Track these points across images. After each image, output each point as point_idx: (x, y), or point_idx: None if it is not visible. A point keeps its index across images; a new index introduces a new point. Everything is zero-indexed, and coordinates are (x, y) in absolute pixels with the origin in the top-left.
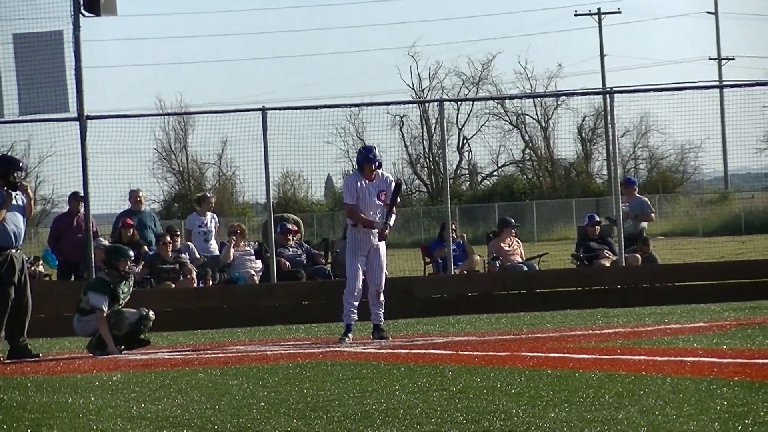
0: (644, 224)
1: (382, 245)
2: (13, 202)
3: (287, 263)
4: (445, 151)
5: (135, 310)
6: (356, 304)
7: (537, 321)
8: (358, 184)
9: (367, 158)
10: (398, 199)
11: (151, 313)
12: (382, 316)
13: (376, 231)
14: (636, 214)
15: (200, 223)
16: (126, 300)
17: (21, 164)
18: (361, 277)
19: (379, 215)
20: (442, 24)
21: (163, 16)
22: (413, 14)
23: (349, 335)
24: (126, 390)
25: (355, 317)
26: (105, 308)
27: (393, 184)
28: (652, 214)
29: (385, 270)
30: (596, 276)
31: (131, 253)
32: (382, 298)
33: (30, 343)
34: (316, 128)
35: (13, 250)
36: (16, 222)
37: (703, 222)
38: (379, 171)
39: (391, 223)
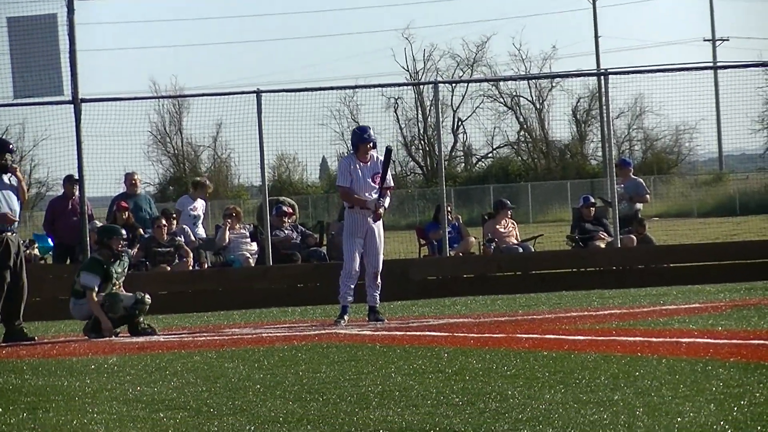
0: (639, 206)
1: (379, 227)
2: (6, 181)
3: (291, 237)
4: (440, 133)
5: (131, 294)
6: (353, 286)
7: (532, 302)
8: (352, 166)
9: (361, 138)
10: (390, 168)
11: (147, 297)
12: (378, 298)
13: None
14: (631, 196)
15: (191, 206)
16: (121, 280)
17: (11, 146)
18: (358, 259)
19: (374, 197)
20: (436, 6)
21: None
22: None
23: (345, 317)
24: (122, 373)
25: (351, 299)
26: (96, 287)
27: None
28: (647, 196)
29: (382, 252)
30: (591, 257)
31: (123, 232)
32: (378, 280)
33: (26, 327)
34: (311, 110)
35: (9, 233)
36: (11, 205)
37: (697, 203)
38: (374, 153)
39: (386, 204)
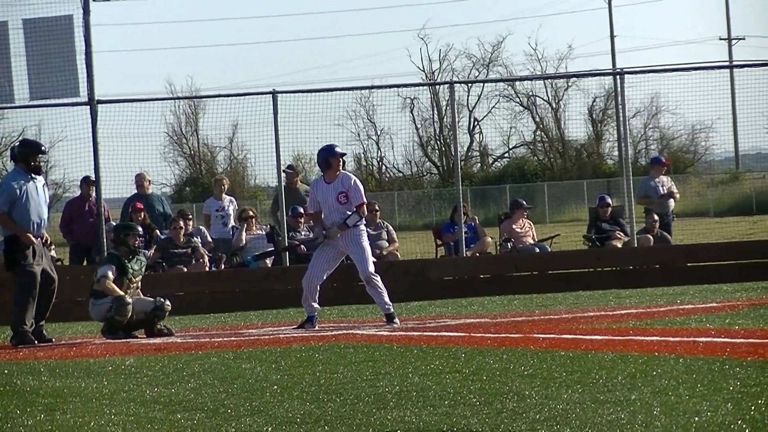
0: (672, 203)
1: (354, 237)
2: (37, 186)
3: (303, 247)
4: (456, 133)
5: (151, 299)
6: (312, 293)
7: (549, 302)
8: (317, 190)
9: (332, 152)
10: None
11: (167, 303)
12: (384, 304)
13: (336, 231)
14: (669, 193)
15: (217, 207)
16: (138, 279)
17: (43, 148)
18: (319, 270)
19: (339, 217)
20: (451, 5)
21: (173, 0)
22: None
23: (306, 325)
24: (139, 374)
25: (317, 306)
26: (110, 274)
27: (352, 180)
28: (677, 194)
29: (366, 256)
30: (608, 257)
31: (140, 229)
32: (374, 284)
33: (45, 328)
34: (327, 111)
35: (34, 239)
36: (39, 212)
37: (714, 202)
38: (345, 172)
39: (354, 222)
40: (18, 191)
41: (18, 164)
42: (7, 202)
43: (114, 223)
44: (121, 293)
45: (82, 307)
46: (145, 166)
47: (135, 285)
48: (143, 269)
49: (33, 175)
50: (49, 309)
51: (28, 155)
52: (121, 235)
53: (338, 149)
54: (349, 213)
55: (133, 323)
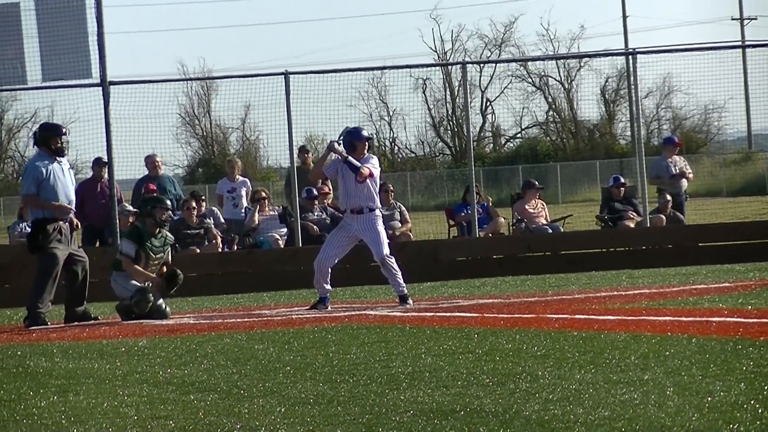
0: (685, 183)
1: (369, 222)
2: (62, 168)
3: (315, 227)
4: (469, 114)
5: (159, 302)
6: (325, 277)
7: (562, 283)
8: (339, 166)
9: (359, 135)
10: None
11: (168, 309)
12: (398, 286)
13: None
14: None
15: (229, 188)
16: (159, 256)
17: (63, 130)
18: (331, 253)
19: (358, 199)
20: None
21: None
22: None
23: (319, 306)
24: (152, 355)
25: (328, 288)
26: (132, 254)
27: (373, 159)
28: (690, 174)
29: (381, 240)
30: (621, 237)
31: (168, 202)
32: (389, 266)
33: (55, 310)
34: (339, 92)
35: (62, 223)
36: (67, 193)
37: (726, 182)
38: (367, 154)
39: (349, 160)
40: (44, 172)
41: (41, 148)
42: (34, 182)
43: (126, 204)
44: (148, 276)
45: (96, 288)
46: (158, 147)
47: (155, 262)
48: (166, 247)
49: (57, 158)
50: (86, 290)
51: (49, 138)
52: (149, 207)
53: (364, 132)
54: (368, 196)
55: (139, 314)
